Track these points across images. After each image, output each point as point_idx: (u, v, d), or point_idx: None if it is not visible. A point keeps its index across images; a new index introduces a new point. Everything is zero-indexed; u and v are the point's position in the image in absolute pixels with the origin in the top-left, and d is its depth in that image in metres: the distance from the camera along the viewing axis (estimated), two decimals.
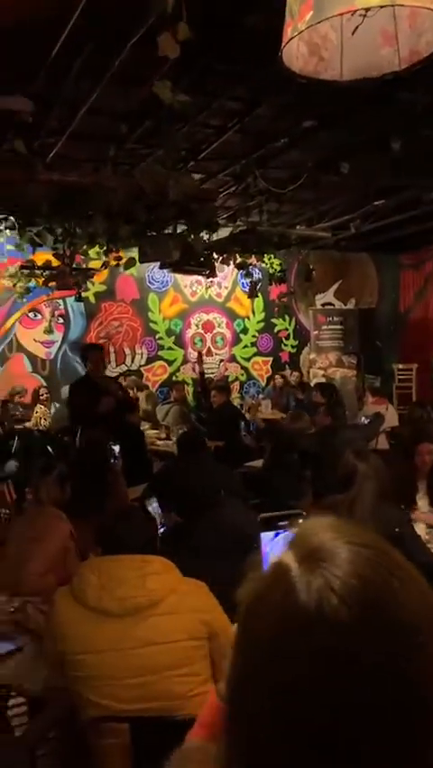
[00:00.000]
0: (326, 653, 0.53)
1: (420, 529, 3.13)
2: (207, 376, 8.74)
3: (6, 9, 3.08)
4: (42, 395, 8.00)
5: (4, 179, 4.66)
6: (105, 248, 6.82)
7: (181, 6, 2.31)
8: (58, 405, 8.24)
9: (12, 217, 5.73)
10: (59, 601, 1.96)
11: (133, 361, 9.59)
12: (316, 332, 10.55)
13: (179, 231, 6.53)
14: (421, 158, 5.39)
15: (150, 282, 9.62)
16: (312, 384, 8.88)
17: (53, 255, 7.01)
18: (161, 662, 1.85)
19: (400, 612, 0.55)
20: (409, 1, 1.84)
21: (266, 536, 0.97)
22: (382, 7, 1.90)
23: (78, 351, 7.17)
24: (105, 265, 7.34)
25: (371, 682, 0.52)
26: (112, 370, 8.96)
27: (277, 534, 0.96)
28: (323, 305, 10.88)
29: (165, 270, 8.15)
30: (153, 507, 3.05)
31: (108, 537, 2.03)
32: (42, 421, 7.61)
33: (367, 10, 1.91)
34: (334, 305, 10.95)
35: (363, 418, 6.91)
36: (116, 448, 3.76)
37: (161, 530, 2.94)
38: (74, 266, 7.02)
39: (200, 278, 9.02)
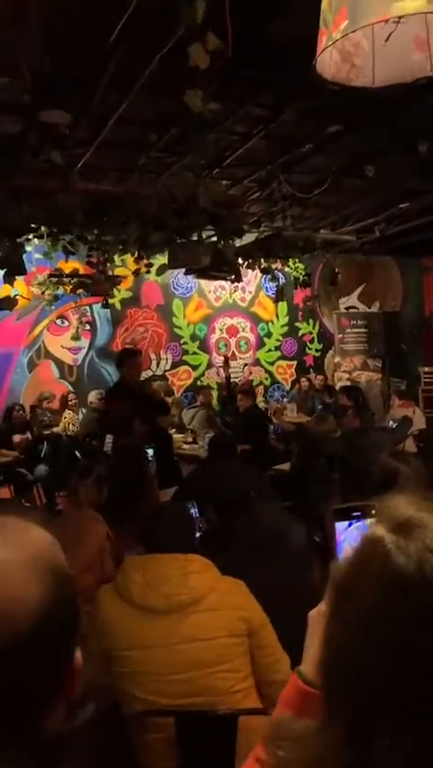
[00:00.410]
0: (425, 615, 0.55)
1: None
2: (232, 380, 8.78)
3: (47, 23, 3.16)
4: (71, 400, 8.12)
5: (42, 190, 4.75)
6: (135, 255, 6.91)
7: (225, 16, 2.35)
8: (85, 410, 8.35)
9: (44, 227, 5.83)
10: (103, 599, 2.00)
11: (158, 367, 9.67)
12: (340, 335, 10.53)
13: (204, 237, 6.58)
14: None
15: (174, 288, 9.70)
16: (337, 387, 8.88)
17: (86, 263, 7.12)
18: (204, 659, 1.88)
19: None
20: None
21: (340, 526, 1.00)
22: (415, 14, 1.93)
23: (114, 357, 7.21)
24: (135, 272, 7.42)
25: None
26: None
27: (350, 524, 0.99)
28: (347, 308, 10.86)
29: (190, 276, 8.20)
30: (193, 511, 3.09)
31: (150, 536, 2.08)
32: (71, 426, 7.71)
33: (401, 18, 1.94)
34: (358, 308, 10.92)
35: (390, 422, 6.89)
36: (150, 451, 3.81)
37: (198, 535, 2.98)
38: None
39: (224, 283, 9.08)
